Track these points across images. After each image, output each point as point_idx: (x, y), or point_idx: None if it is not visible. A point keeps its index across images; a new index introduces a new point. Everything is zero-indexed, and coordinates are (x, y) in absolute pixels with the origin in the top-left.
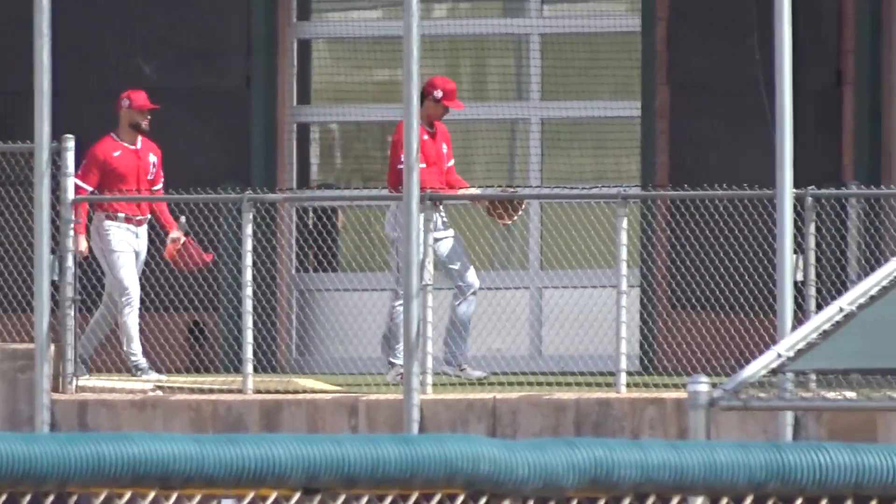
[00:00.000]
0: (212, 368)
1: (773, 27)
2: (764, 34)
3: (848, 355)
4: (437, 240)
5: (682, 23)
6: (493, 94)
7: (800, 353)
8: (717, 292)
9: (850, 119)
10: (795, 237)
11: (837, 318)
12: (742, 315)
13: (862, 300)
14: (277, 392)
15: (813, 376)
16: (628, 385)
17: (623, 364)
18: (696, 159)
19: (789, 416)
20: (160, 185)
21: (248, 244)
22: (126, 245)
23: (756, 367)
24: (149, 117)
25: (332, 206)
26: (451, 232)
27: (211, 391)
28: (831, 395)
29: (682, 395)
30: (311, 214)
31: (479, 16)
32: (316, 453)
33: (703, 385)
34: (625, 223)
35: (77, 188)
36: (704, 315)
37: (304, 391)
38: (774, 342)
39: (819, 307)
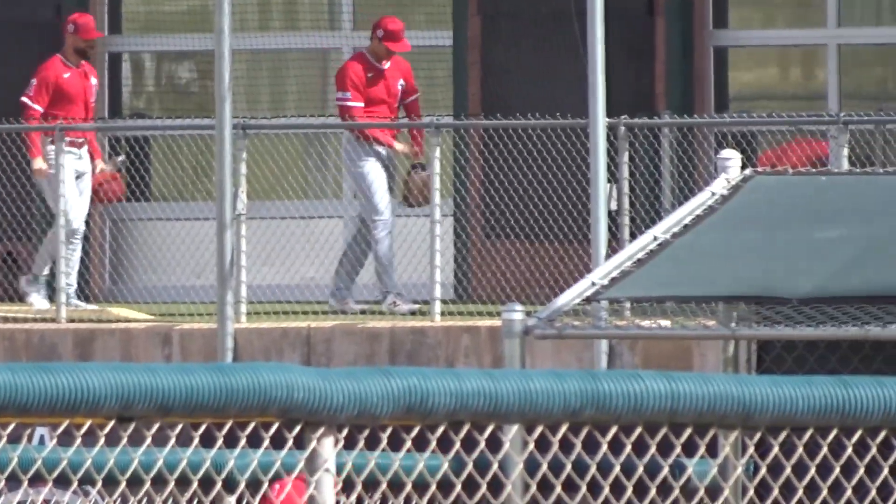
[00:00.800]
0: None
1: None
2: None
3: (662, 284)
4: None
5: None
6: (305, 24)
7: (614, 281)
8: (532, 221)
9: (663, 47)
10: (609, 166)
11: (651, 246)
12: (557, 244)
13: (676, 229)
14: (91, 321)
15: (627, 304)
16: (443, 314)
17: (438, 293)
18: (508, 89)
19: (604, 345)
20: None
21: (61, 174)
22: (70, 172)
23: (570, 296)
24: (95, 46)
25: (143, 136)
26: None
27: (25, 320)
28: (646, 323)
29: (496, 323)
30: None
31: None
32: (130, 382)
33: (517, 313)
34: (438, 153)
35: (28, 109)
36: (519, 244)
37: (118, 320)
38: (589, 271)
39: (633, 236)
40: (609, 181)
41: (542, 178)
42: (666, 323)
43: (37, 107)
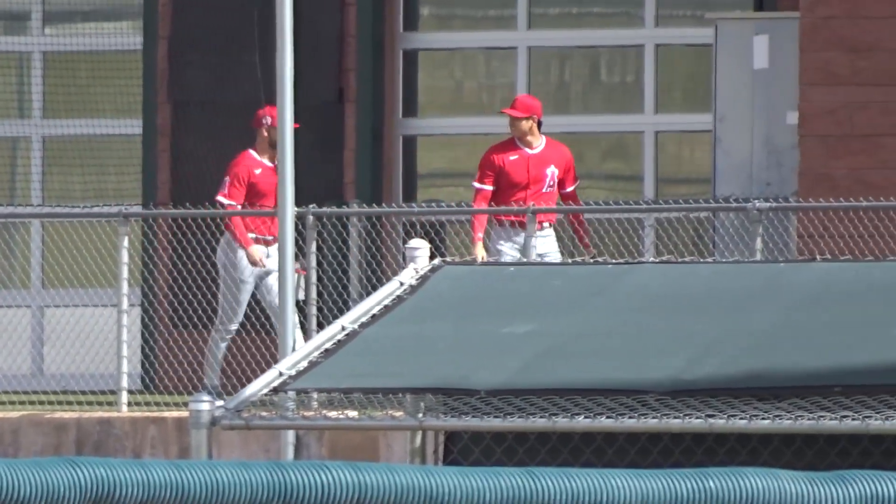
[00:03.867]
0: None
1: (274, 44)
2: (265, 51)
3: (350, 374)
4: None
5: (184, 41)
6: None
7: (302, 371)
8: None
9: (352, 137)
10: (297, 255)
11: (339, 336)
12: (244, 334)
13: (364, 319)
14: None
15: (315, 395)
16: (130, 404)
17: (125, 383)
18: (198, 177)
19: (291, 436)
20: None
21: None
22: (250, 274)
23: (258, 386)
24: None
25: None
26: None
27: None
28: (333, 414)
29: (184, 413)
30: None
31: None
32: None
33: (204, 404)
34: (126, 242)
35: (224, 206)
36: (207, 334)
37: None
38: (276, 361)
39: (321, 326)
40: (297, 271)
41: None
42: (353, 414)
43: (233, 203)
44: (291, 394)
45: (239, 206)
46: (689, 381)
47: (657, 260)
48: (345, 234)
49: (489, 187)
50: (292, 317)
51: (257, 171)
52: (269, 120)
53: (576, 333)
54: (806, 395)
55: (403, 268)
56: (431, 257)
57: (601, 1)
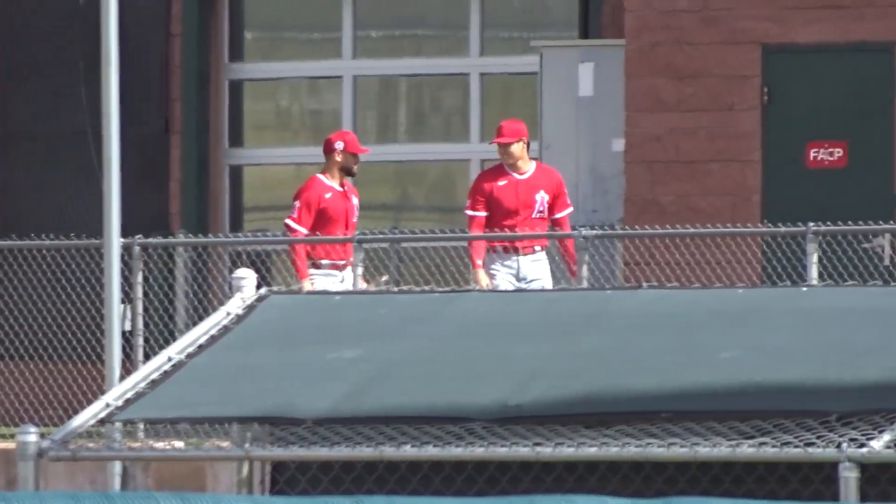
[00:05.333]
0: None
1: (99, 75)
2: (91, 82)
3: (177, 405)
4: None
5: (10, 72)
6: None
7: (129, 402)
8: (46, 342)
9: (178, 167)
10: (123, 286)
11: (166, 367)
12: (71, 364)
13: (190, 349)
14: None
15: (142, 426)
16: None
17: None
18: (24, 209)
19: (118, 466)
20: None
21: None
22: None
23: (85, 417)
24: (359, 161)
25: None
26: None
27: None
28: (160, 444)
29: (11, 445)
30: None
31: None
32: None
33: (31, 435)
34: None
35: (293, 232)
36: (33, 365)
37: None
38: (103, 392)
39: (148, 356)
40: (123, 301)
41: (55, 299)
42: (180, 444)
43: (301, 229)
44: (118, 424)
45: (307, 233)
46: (516, 406)
47: (485, 289)
48: (171, 265)
49: (482, 213)
50: (118, 347)
51: (327, 196)
52: (341, 145)
53: (402, 359)
54: (633, 422)
55: (230, 298)
56: (258, 287)
57: (426, 25)
